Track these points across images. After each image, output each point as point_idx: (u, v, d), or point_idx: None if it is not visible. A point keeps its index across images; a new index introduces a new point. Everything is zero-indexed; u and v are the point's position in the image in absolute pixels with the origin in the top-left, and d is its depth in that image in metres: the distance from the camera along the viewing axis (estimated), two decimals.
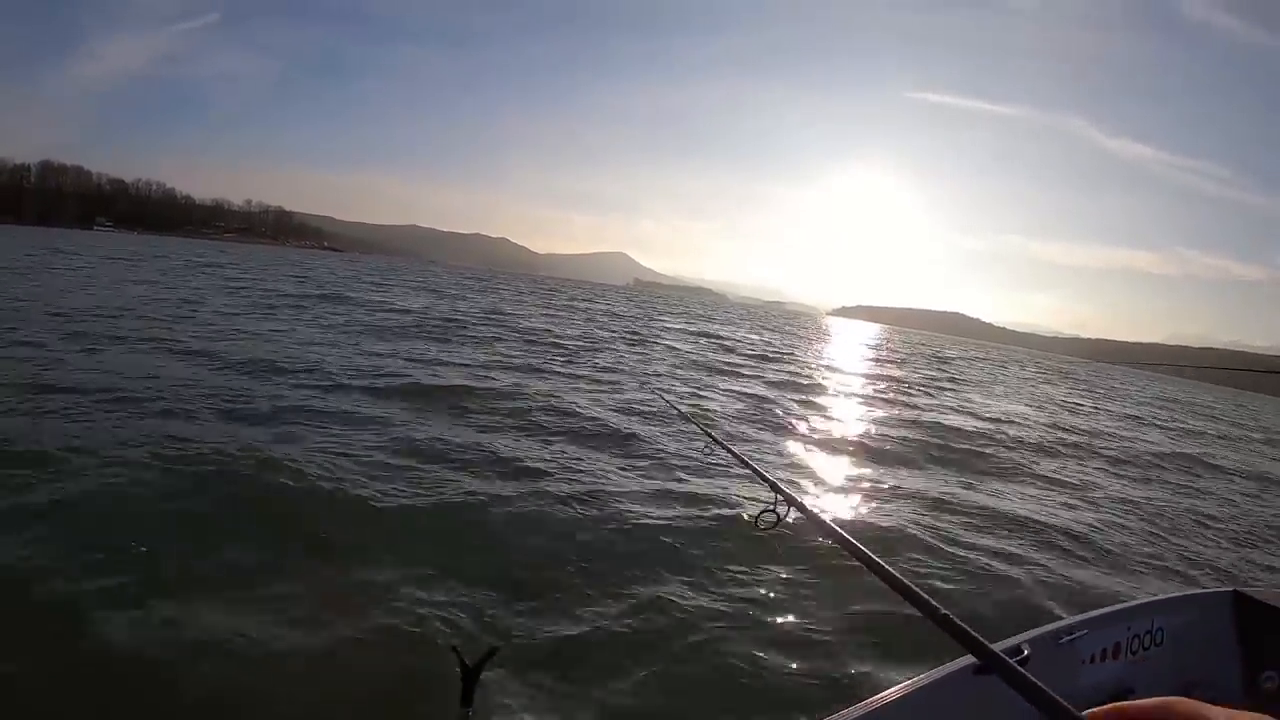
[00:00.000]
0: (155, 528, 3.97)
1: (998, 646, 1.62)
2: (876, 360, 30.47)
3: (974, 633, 0.93)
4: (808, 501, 1.65)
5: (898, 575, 1.13)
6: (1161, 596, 2.68)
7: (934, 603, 1.02)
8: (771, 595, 4.17)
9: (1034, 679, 0.78)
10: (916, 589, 1.09)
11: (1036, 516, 6.72)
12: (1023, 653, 1.90)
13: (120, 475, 4.63)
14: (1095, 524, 6.90)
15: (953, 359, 37.41)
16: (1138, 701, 0.46)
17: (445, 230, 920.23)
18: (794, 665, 3.43)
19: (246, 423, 6.40)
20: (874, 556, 1.23)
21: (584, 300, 50.43)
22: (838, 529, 1.36)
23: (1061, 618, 2.25)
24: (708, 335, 28.98)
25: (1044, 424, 15.01)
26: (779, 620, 3.88)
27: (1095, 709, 0.51)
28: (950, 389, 20.00)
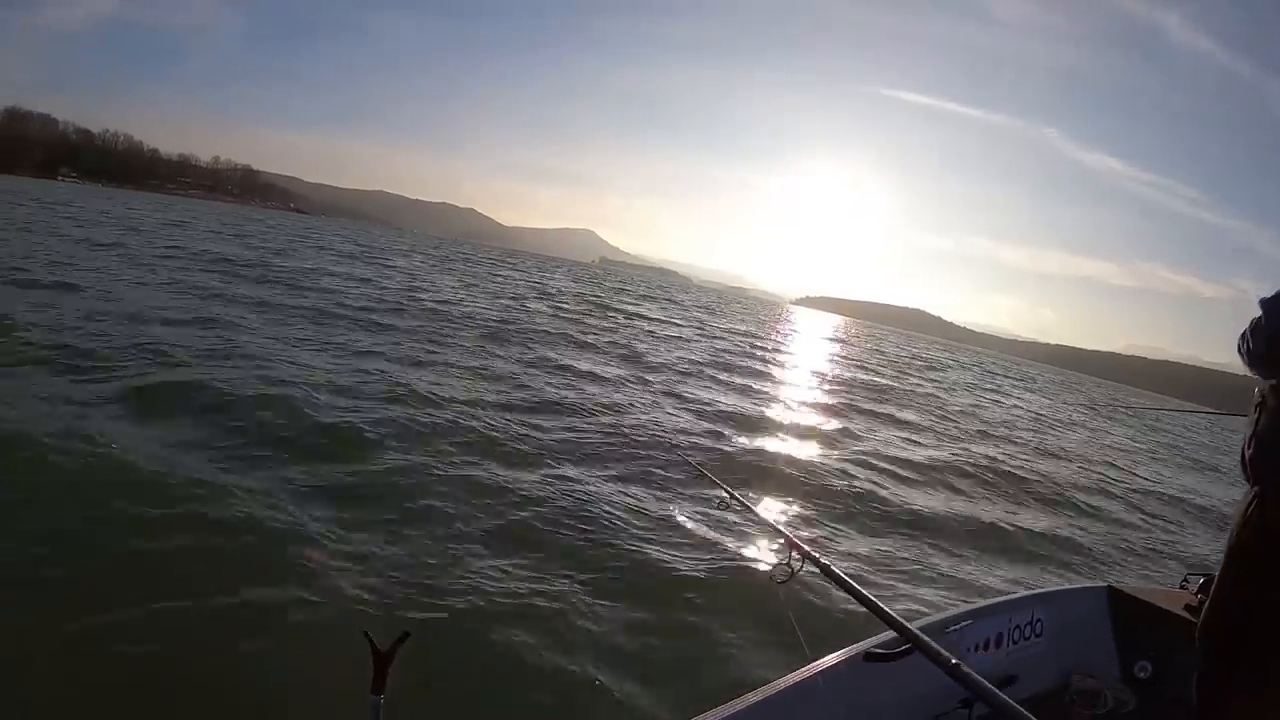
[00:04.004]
0: None
1: (883, 636, 1.88)
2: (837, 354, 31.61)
3: (991, 686, 1.04)
4: (819, 555, 1.74)
5: (910, 626, 1.30)
6: (1040, 590, 2.73)
7: (944, 653, 1.17)
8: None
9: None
10: (926, 639, 1.25)
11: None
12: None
13: None
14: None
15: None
16: None
17: (412, 198, 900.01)
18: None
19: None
20: (885, 608, 1.39)
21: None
22: (850, 580, 1.52)
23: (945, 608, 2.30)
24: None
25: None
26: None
27: None
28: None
